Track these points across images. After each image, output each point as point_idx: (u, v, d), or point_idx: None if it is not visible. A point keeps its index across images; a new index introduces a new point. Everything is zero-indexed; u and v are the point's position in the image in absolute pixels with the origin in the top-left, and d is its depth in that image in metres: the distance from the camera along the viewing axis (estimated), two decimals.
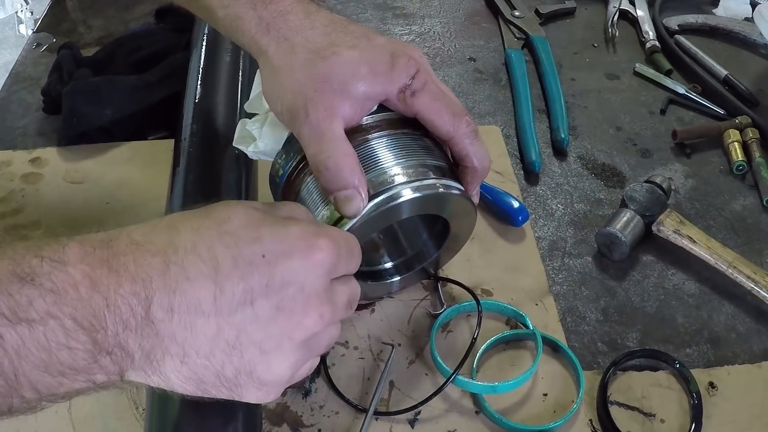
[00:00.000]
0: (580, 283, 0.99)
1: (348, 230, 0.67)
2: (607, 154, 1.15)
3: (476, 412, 0.85)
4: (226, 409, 0.64)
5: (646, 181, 1.06)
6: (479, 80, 1.29)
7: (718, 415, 0.88)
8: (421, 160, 0.72)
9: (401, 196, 0.69)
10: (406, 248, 0.95)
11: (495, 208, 1.04)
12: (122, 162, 1.10)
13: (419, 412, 0.84)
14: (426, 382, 0.87)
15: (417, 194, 0.70)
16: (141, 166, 1.09)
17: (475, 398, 0.86)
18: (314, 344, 0.58)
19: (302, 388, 0.84)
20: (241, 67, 1.05)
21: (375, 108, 0.71)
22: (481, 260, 1.00)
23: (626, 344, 0.94)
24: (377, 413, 0.79)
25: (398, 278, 0.93)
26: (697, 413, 0.87)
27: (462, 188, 0.75)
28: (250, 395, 0.56)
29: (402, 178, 0.69)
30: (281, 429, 0.77)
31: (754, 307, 0.97)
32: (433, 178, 0.71)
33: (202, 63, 1.04)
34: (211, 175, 0.89)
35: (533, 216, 1.06)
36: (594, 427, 0.86)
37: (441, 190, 0.72)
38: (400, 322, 0.93)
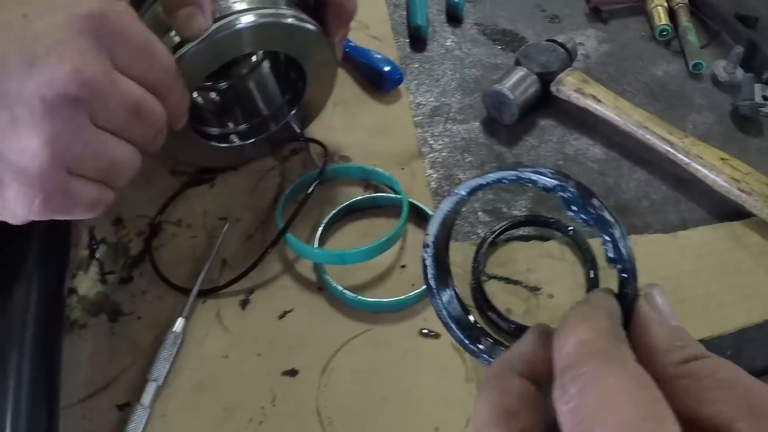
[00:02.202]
0: (463, 149, 0.82)
1: (187, 54, 0.59)
2: (510, 20, 0.99)
3: (319, 289, 0.69)
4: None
5: (546, 41, 0.89)
6: None
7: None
8: None
9: (245, 21, 0.61)
10: (261, 110, 0.79)
11: (366, 70, 0.89)
12: None
13: (252, 292, 0.68)
14: (267, 258, 0.70)
15: (262, 20, 0.62)
16: None
17: (319, 272, 0.70)
18: (82, 148, 0.49)
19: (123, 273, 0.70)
20: None
21: None
22: (344, 126, 0.85)
23: (512, 213, 0.76)
24: (202, 293, 0.67)
25: (250, 142, 0.78)
26: (593, 287, 0.69)
27: (318, 26, 0.66)
28: (12, 200, 0.48)
29: (246, 5, 0.62)
30: (98, 319, 0.66)
31: (672, 174, 0.80)
32: (284, 9, 0.64)
33: None
34: None
35: (415, 82, 0.90)
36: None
37: (290, 20, 0.64)
38: (243, 196, 0.77)
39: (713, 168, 0.77)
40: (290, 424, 0.61)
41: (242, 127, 0.78)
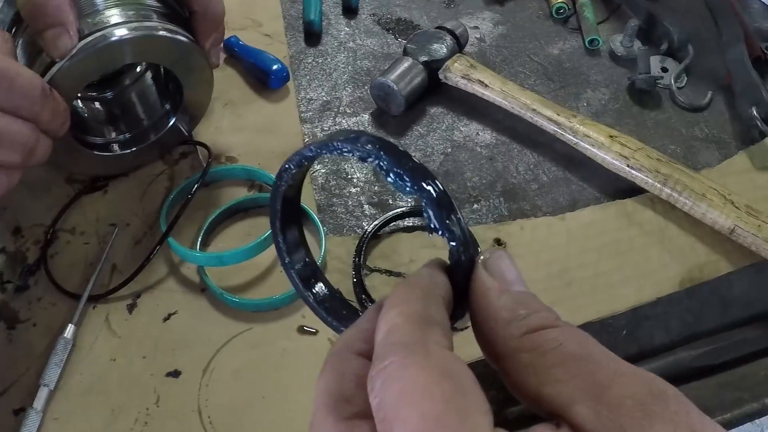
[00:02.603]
0: None
1: (57, 72, 0.60)
2: (405, 8, 0.96)
3: (202, 290, 0.69)
4: None
5: (435, 27, 0.87)
6: None
7: None
8: (145, 4, 0.66)
9: (114, 36, 0.62)
10: (142, 119, 0.78)
11: (254, 69, 0.87)
12: None
13: (139, 296, 0.68)
14: (154, 262, 0.70)
15: (133, 34, 0.63)
16: None
17: (201, 274, 0.69)
18: None
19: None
20: None
21: None
22: (232, 126, 0.83)
23: (399, 205, 0.74)
24: (92, 298, 0.67)
25: (132, 150, 0.76)
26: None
27: (189, 37, 0.67)
28: None
29: (118, 19, 0.63)
30: None
31: (563, 155, 0.78)
32: (155, 21, 0.65)
33: None
34: None
35: (307, 77, 0.87)
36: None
37: (161, 33, 0.64)
38: (133, 201, 0.76)
39: (601, 146, 0.75)
40: (173, 424, 0.61)
41: (124, 136, 0.77)
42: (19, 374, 0.63)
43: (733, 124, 0.83)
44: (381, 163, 0.35)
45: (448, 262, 0.37)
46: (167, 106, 0.76)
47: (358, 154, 0.36)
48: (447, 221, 0.35)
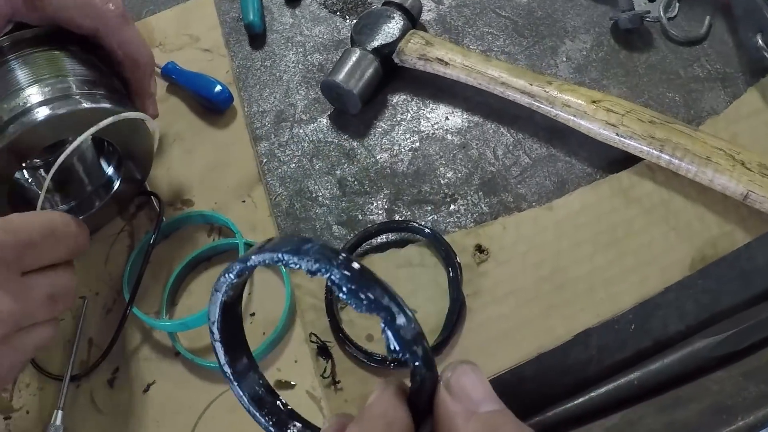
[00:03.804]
0: (312, 155, 0.72)
1: None
2: None
3: (176, 354, 0.66)
4: None
5: (383, 4, 0.77)
6: None
7: (489, 287, 0.62)
8: (64, 74, 0.61)
9: (32, 121, 0.58)
10: (86, 184, 0.73)
11: (197, 97, 0.80)
12: None
13: (117, 369, 0.66)
14: (127, 331, 0.68)
15: (53, 113, 0.58)
16: None
17: (172, 339, 0.66)
18: (4, 352, 0.50)
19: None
20: None
21: (10, 28, 0.62)
22: (183, 164, 0.76)
23: (369, 219, 0.67)
24: (74, 377, 0.66)
25: (82, 218, 0.71)
26: (455, 291, 0.60)
27: (113, 102, 0.62)
28: None
29: (37, 98, 0.59)
30: None
31: (545, 128, 0.69)
32: (75, 93, 0.60)
33: None
34: None
35: (258, 86, 0.80)
36: (317, 339, 0.60)
37: (84, 105, 0.60)
38: (98, 267, 0.71)
39: (584, 115, 0.65)
40: None
41: (69, 204, 0.72)
42: None
43: (739, 53, 0.72)
44: (332, 277, 0.33)
45: (407, 383, 0.35)
46: (110, 168, 0.71)
47: (306, 266, 0.33)
48: (411, 343, 0.33)
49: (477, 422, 0.32)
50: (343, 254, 0.33)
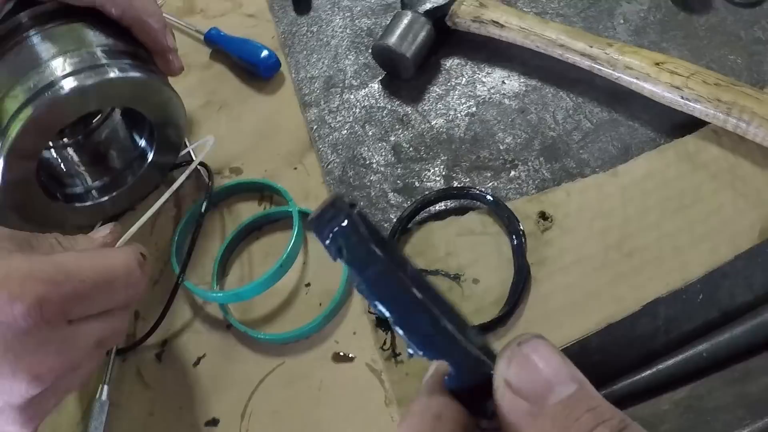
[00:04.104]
0: (364, 121, 0.71)
1: (14, 137, 0.56)
2: None
3: (228, 327, 0.64)
4: None
5: None
6: None
7: (554, 256, 0.60)
8: (90, 44, 0.60)
9: (63, 89, 0.56)
10: (119, 160, 0.71)
11: (242, 63, 0.78)
12: None
13: (166, 342, 0.64)
14: (175, 303, 0.65)
15: (82, 83, 0.57)
16: None
17: (223, 311, 0.65)
18: (48, 396, 0.48)
19: None
20: None
21: (10, 6, 0.60)
22: (230, 134, 0.75)
23: (426, 186, 0.65)
24: (120, 351, 0.64)
25: (112, 195, 0.70)
26: (519, 259, 0.59)
27: (144, 70, 0.61)
28: None
29: (65, 70, 0.57)
30: None
31: (606, 91, 0.68)
32: (103, 63, 0.59)
33: None
34: None
35: (304, 52, 0.78)
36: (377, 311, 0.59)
37: (113, 75, 0.58)
38: (143, 237, 0.70)
39: (648, 78, 0.64)
40: None
41: (104, 180, 0.71)
42: None
43: None
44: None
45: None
46: (143, 139, 0.69)
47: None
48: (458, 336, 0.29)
49: (546, 419, 0.27)
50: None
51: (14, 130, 0.56)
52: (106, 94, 0.59)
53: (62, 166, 0.71)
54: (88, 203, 0.68)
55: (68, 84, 0.57)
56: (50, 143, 0.70)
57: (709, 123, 0.63)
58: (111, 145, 0.71)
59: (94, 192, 0.69)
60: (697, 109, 0.62)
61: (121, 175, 0.69)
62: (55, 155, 0.71)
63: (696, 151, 0.63)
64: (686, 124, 0.64)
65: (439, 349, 0.30)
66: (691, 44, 0.70)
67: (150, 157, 0.68)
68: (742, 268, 0.58)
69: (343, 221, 0.30)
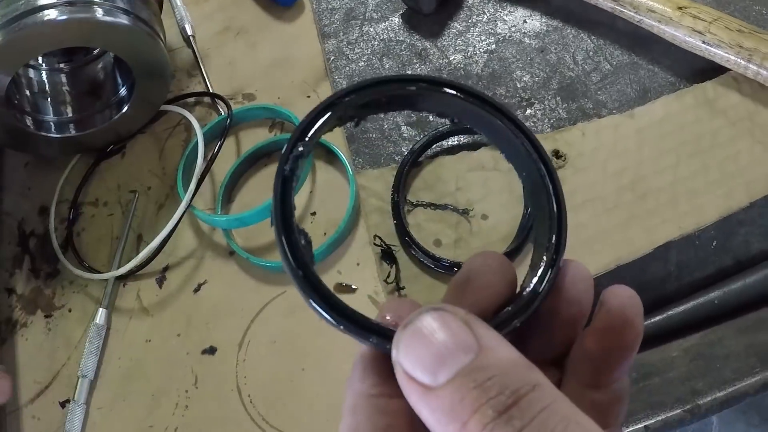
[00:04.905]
0: (382, 53, 0.70)
1: None
2: None
3: (231, 254, 0.64)
4: None
5: None
6: None
7: (566, 194, 0.59)
8: None
9: (41, 18, 0.56)
10: (96, 101, 0.71)
11: None
12: None
13: (167, 267, 0.64)
14: (179, 231, 0.65)
15: (65, 17, 0.57)
16: None
17: (227, 237, 0.64)
18: None
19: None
20: None
21: None
22: (245, 60, 0.74)
23: (440, 121, 0.65)
24: (120, 277, 0.64)
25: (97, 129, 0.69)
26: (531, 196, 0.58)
27: (132, 17, 0.60)
28: None
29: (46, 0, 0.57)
30: (35, 317, 0.66)
31: (627, 34, 0.67)
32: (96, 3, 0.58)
33: None
34: None
35: None
36: (382, 243, 0.59)
37: (99, 17, 0.58)
38: (151, 161, 0.70)
39: (670, 21, 0.63)
40: (213, 405, 0.59)
41: (71, 117, 0.70)
42: (61, 364, 0.62)
43: None
44: None
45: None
46: (124, 89, 0.69)
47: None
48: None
49: (437, 402, 0.24)
50: None
51: None
52: (88, 33, 0.59)
53: (48, 89, 0.70)
54: (60, 135, 0.68)
55: (49, 14, 0.56)
56: (44, 64, 0.70)
57: (730, 70, 0.62)
58: (100, 82, 0.71)
59: (71, 125, 0.69)
60: (718, 54, 0.61)
61: (100, 114, 0.69)
62: (45, 78, 0.70)
63: (715, 97, 0.62)
64: (706, 70, 0.63)
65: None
66: None
67: (125, 108, 0.68)
68: (758, 215, 0.58)
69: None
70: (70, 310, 0.64)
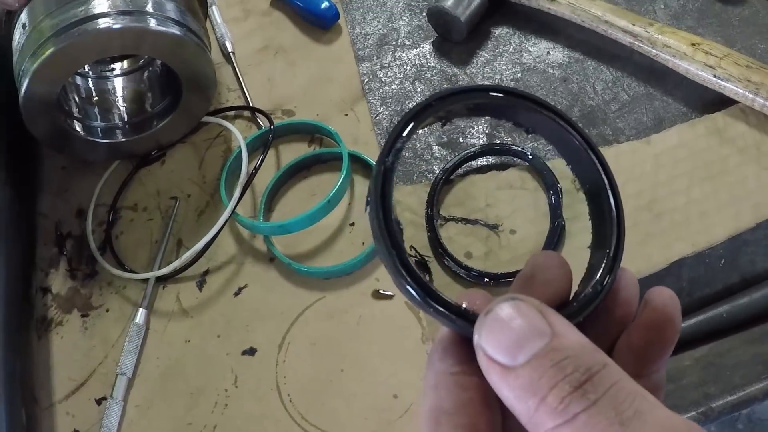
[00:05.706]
0: (414, 78, 0.75)
1: (45, 58, 0.59)
2: None
3: (271, 260, 0.66)
4: None
5: None
6: None
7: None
8: None
9: (96, 26, 0.59)
10: (148, 101, 0.75)
11: (302, 11, 0.82)
12: None
13: (207, 271, 0.67)
14: (219, 237, 0.68)
15: (119, 25, 0.59)
16: None
17: (268, 244, 0.67)
18: None
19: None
20: None
21: None
22: (284, 77, 0.79)
23: (470, 142, 0.70)
24: (160, 279, 0.66)
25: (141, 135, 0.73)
26: (555, 215, 0.63)
27: (183, 28, 0.63)
28: None
29: (105, 8, 0.60)
30: (72, 316, 0.67)
31: (644, 68, 0.72)
32: (147, 11, 0.61)
33: None
34: None
35: (361, 10, 0.82)
36: (416, 254, 0.63)
37: (152, 27, 0.61)
38: (191, 169, 0.73)
39: (684, 56, 0.68)
40: (252, 404, 0.60)
41: (100, 124, 0.73)
42: (98, 363, 0.64)
43: None
44: None
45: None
46: (167, 98, 0.73)
47: None
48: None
49: (516, 381, 0.27)
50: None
51: (45, 54, 0.59)
52: (141, 42, 0.62)
53: (96, 96, 0.73)
54: (107, 140, 0.71)
55: (105, 23, 0.59)
56: (97, 71, 0.73)
57: (738, 102, 0.67)
58: (145, 91, 0.74)
59: (117, 131, 0.72)
60: (728, 88, 0.67)
61: (146, 122, 0.72)
62: (91, 85, 0.74)
63: (724, 126, 0.68)
64: (716, 102, 0.69)
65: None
66: (725, 32, 0.74)
67: (169, 117, 0.71)
68: (763, 236, 0.63)
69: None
70: (107, 311, 0.66)
